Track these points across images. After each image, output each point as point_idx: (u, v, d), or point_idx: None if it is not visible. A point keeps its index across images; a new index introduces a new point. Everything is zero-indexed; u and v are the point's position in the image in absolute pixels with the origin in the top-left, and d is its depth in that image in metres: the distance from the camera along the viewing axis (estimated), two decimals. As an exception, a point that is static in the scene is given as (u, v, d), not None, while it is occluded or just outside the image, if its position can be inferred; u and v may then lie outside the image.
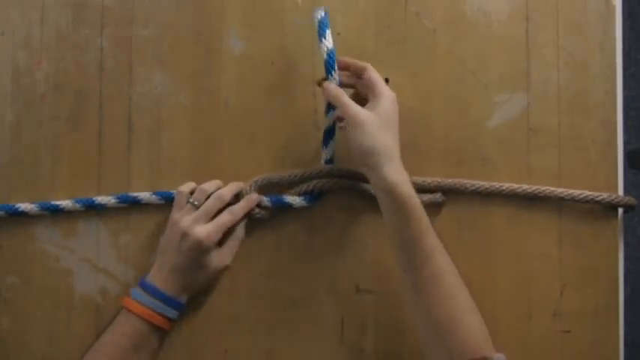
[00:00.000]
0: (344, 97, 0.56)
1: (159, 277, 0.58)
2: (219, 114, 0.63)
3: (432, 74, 0.64)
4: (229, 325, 0.62)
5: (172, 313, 0.58)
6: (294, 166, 0.63)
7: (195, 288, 0.60)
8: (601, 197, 0.61)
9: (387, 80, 0.63)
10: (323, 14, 0.58)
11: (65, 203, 0.61)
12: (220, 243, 0.59)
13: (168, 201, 0.61)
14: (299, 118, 0.63)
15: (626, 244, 0.66)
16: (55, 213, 0.62)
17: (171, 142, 0.63)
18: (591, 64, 0.64)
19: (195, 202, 0.59)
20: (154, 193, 0.62)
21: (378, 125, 0.55)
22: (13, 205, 0.61)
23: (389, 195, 0.53)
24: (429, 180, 0.62)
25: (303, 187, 0.61)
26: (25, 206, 0.61)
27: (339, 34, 0.64)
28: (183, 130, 0.63)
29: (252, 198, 0.60)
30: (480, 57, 0.64)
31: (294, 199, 0.60)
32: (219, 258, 0.59)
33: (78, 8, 0.64)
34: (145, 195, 0.62)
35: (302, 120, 0.63)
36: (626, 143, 0.67)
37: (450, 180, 0.62)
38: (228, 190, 0.60)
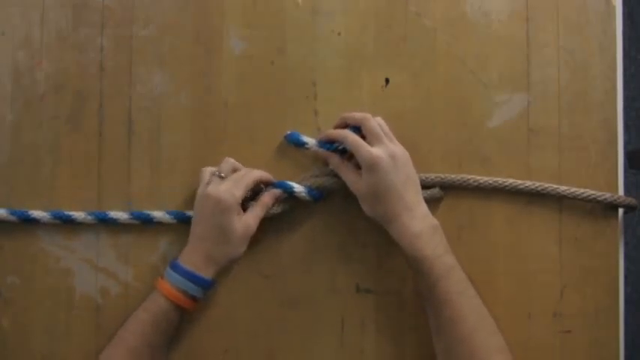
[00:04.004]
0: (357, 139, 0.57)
1: (186, 252, 0.57)
2: (219, 114, 0.63)
3: (432, 74, 0.64)
4: (229, 325, 0.62)
5: (196, 291, 0.56)
6: (293, 166, 0.63)
7: (221, 260, 0.57)
8: (603, 197, 0.61)
9: (387, 80, 0.64)
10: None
11: (78, 214, 0.61)
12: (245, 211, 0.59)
13: (180, 221, 0.61)
14: (299, 118, 0.63)
15: (626, 244, 0.66)
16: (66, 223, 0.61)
17: (171, 142, 0.63)
18: (591, 64, 0.64)
19: (222, 174, 0.58)
20: (168, 213, 0.61)
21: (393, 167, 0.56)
22: (26, 212, 0.61)
23: (404, 249, 0.55)
24: (432, 176, 0.61)
25: (310, 181, 0.60)
26: (36, 214, 0.61)
27: (339, 34, 0.64)
28: (183, 130, 0.63)
29: (267, 175, 0.61)
30: (480, 57, 0.64)
31: (297, 187, 0.60)
32: (243, 224, 0.57)
33: (78, 8, 0.64)
34: (158, 214, 0.61)
35: (302, 120, 0.63)
36: (626, 143, 0.67)
37: (453, 176, 0.62)
38: (259, 172, 0.60)
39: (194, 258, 0.57)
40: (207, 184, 0.58)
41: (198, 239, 0.57)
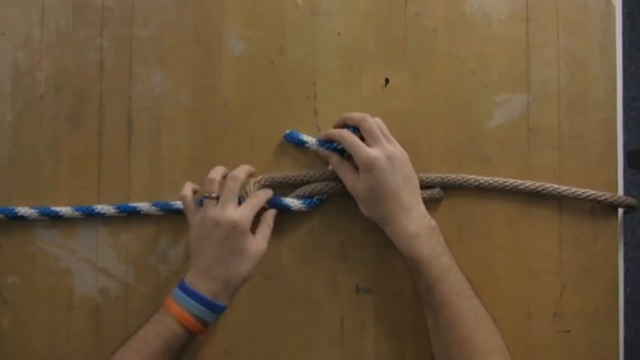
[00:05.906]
0: (355, 138, 0.58)
1: (196, 278, 0.54)
2: (219, 114, 0.63)
3: (432, 74, 0.64)
4: (229, 325, 0.62)
5: (211, 317, 0.54)
6: (293, 166, 0.63)
7: (238, 282, 0.55)
8: (603, 197, 0.61)
9: (387, 80, 0.64)
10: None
11: (65, 210, 0.61)
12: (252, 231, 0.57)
13: (167, 212, 0.61)
14: (299, 118, 0.63)
15: (626, 244, 0.66)
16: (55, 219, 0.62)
17: (171, 142, 0.63)
18: (591, 64, 0.64)
19: (213, 194, 0.56)
20: (154, 204, 0.61)
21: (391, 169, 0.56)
22: (14, 209, 0.61)
23: (402, 250, 0.56)
24: (432, 176, 0.61)
25: (306, 190, 0.61)
26: (24, 211, 0.61)
27: (339, 34, 0.64)
28: (183, 130, 0.63)
29: (269, 190, 0.60)
30: (480, 57, 0.64)
31: (293, 202, 0.60)
32: (256, 245, 0.55)
33: (78, 8, 0.64)
34: (144, 206, 0.61)
35: (302, 120, 0.63)
36: (626, 143, 0.67)
37: (453, 175, 0.62)
38: (239, 171, 0.57)
39: (209, 284, 0.54)
40: (195, 211, 0.57)
41: (209, 264, 0.54)
